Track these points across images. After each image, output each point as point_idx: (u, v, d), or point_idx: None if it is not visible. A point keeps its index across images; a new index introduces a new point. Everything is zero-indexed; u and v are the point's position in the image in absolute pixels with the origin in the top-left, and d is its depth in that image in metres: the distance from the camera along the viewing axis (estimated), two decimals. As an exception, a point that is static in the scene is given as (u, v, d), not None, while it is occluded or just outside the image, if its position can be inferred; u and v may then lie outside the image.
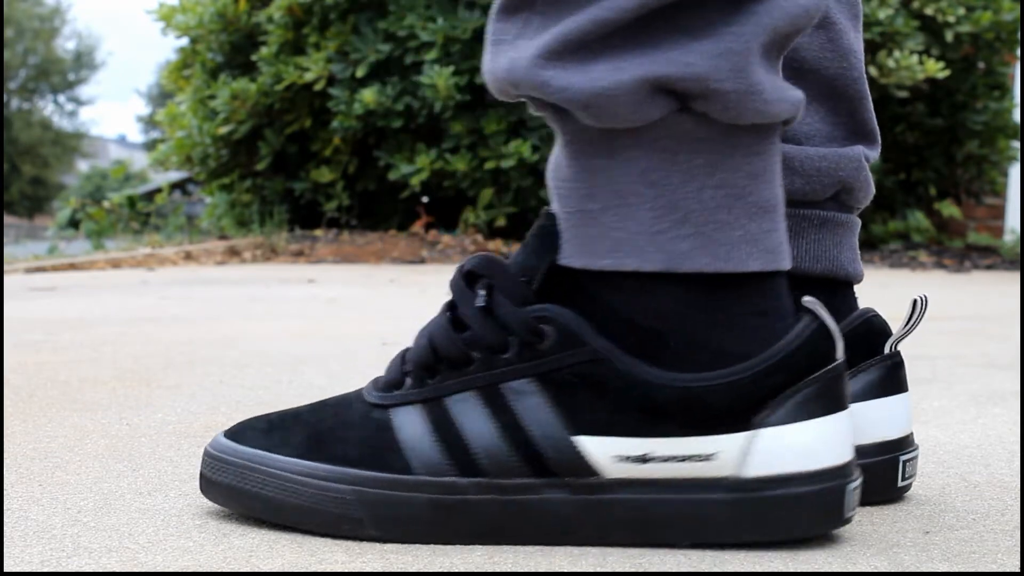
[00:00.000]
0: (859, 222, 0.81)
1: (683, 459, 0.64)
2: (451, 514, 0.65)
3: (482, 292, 0.66)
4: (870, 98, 0.81)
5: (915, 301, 0.67)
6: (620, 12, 0.61)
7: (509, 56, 0.64)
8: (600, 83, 0.62)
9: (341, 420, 0.69)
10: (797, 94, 0.66)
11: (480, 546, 0.65)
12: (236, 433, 0.70)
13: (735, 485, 0.64)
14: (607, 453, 0.64)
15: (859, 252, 0.82)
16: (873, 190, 0.80)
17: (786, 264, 0.67)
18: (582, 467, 0.64)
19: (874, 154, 0.81)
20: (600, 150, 0.65)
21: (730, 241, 0.64)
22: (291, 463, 0.67)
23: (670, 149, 0.64)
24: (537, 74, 0.63)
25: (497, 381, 0.65)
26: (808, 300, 0.65)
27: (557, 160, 0.68)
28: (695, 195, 0.64)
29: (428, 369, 0.68)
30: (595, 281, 0.65)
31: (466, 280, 0.68)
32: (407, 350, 0.71)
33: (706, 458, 0.64)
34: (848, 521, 0.66)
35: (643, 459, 0.64)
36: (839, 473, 0.65)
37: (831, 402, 0.65)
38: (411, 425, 0.67)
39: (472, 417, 0.66)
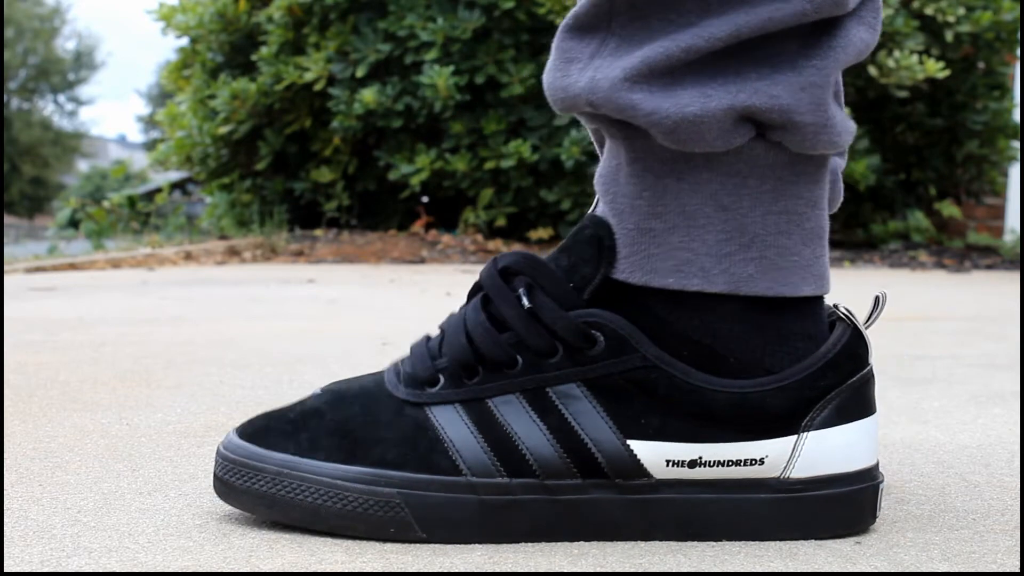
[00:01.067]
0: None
1: (734, 463, 0.66)
2: (500, 515, 0.65)
3: (523, 291, 0.67)
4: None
5: (877, 297, 0.70)
6: (712, 41, 0.62)
7: (588, 75, 0.65)
8: (689, 109, 0.63)
9: (372, 418, 0.68)
10: (853, 125, 0.68)
11: (480, 545, 0.65)
12: (255, 435, 0.69)
13: (780, 486, 0.66)
14: (659, 457, 0.65)
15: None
16: (841, 199, 0.83)
17: (829, 289, 0.70)
18: (634, 470, 0.65)
19: (843, 164, 0.83)
20: (670, 171, 0.66)
21: (788, 266, 0.67)
22: (330, 468, 0.66)
23: (741, 174, 0.66)
24: (623, 96, 0.64)
25: (544, 385, 0.66)
26: (842, 308, 0.69)
27: (615, 174, 0.68)
28: (761, 220, 0.66)
29: (467, 368, 0.67)
30: (651, 297, 0.66)
31: (502, 276, 0.68)
32: (431, 340, 0.70)
33: (757, 462, 0.66)
34: (875, 521, 0.69)
35: (694, 463, 0.65)
36: (872, 474, 0.69)
37: (865, 406, 0.68)
38: (453, 425, 0.66)
39: (520, 419, 0.66)
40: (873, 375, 0.69)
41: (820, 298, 0.69)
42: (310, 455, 0.67)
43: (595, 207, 0.70)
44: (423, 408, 0.68)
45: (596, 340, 0.65)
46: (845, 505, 0.67)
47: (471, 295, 0.71)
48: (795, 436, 0.66)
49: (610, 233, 0.67)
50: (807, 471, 0.66)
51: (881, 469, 0.72)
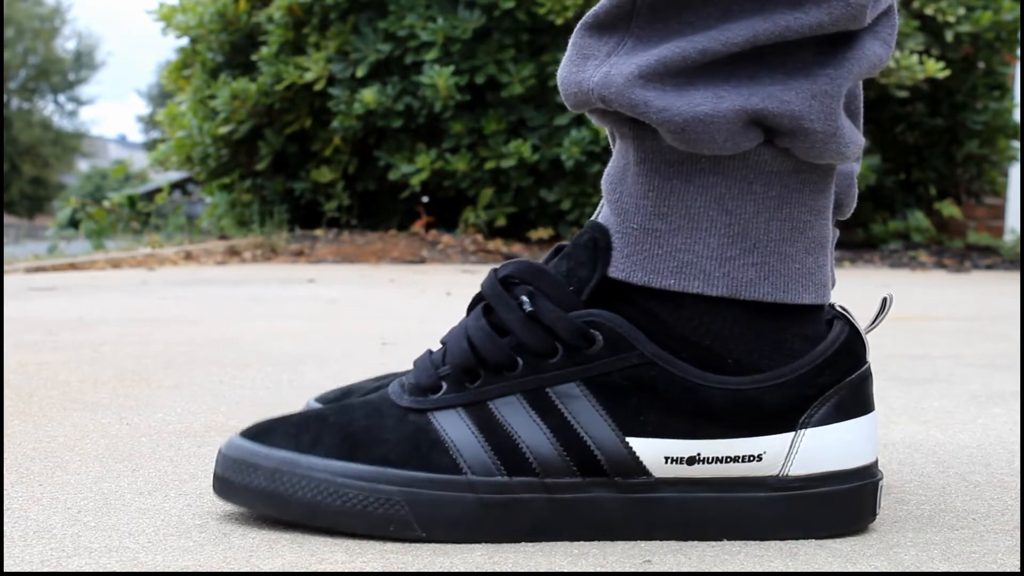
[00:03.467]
0: (838, 232, 0.84)
1: (732, 460, 0.66)
2: (500, 513, 0.65)
3: (525, 298, 0.67)
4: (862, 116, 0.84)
5: (884, 299, 0.71)
6: (728, 45, 0.63)
7: (602, 71, 0.66)
8: (700, 108, 0.63)
9: (375, 422, 0.68)
10: (861, 138, 0.69)
11: (480, 545, 0.65)
12: (257, 435, 0.69)
13: (778, 484, 0.66)
14: (657, 454, 0.66)
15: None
16: (856, 203, 0.84)
17: (829, 299, 0.70)
18: (634, 467, 0.66)
19: (858, 169, 0.85)
20: (677, 172, 0.66)
21: (789, 273, 0.67)
22: (330, 465, 0.66)
23: (747, 179, 0.66)
24: (635, 92, 0.64)
25: (544, 385, 0.66)
26: (840, 306, 0.69)
27: (621, 174, 0.69)
28: (764, 226, 0.66)
29: (468, 373, 0.68)
30: (650, 297, 0.67)
31: (504, 285, 0.69)
32: (434, 353, 0.71)
33: (754, 459, 0.66)
34: (875, 519, 0.69)
35: (692, 460, 0.66)
36: (871, 471, 0.69)
37: (864, 403, 0.69)
38: (455, 427, 0.67)
39: (520, 419, 0.66)
40: (871, 373, 0.69)
41: (821, 306, 0.69)
42: (310, 453, 0.67)
43: (597, 214, 0.71)
44: (426, 414, 0.68)
45: (595, 339, 0.66)
46: (844, 503, 0.67)
47: (472, 306, 0.71)
48: (792, 433, 0.66)
49: (606, 235, 0.68)
50: (805, 468, 0.67)
51: (881, 469, 0.72)
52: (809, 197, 0.67)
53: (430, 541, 0.65)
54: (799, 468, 0.67)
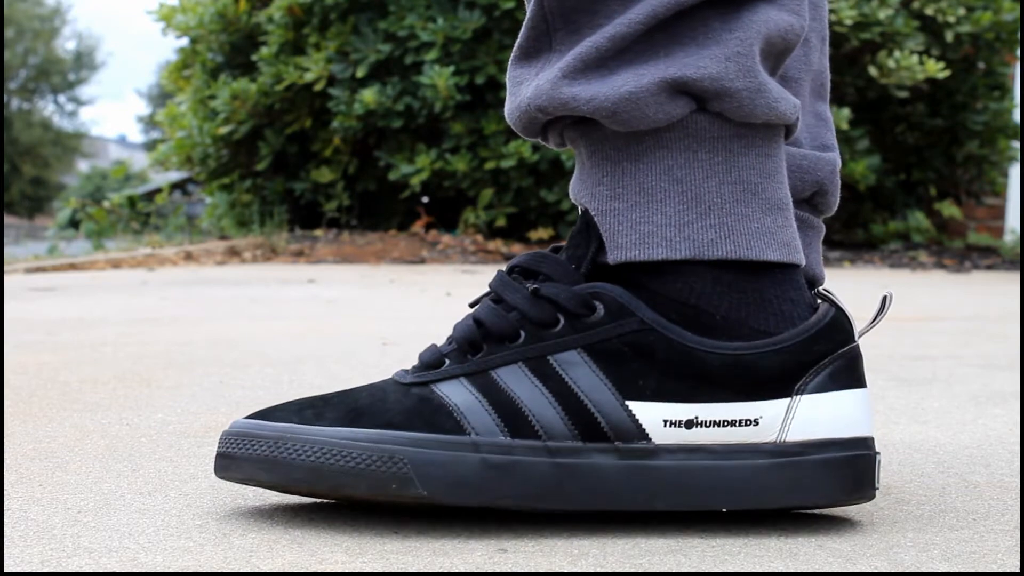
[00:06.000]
0: (824, 228, 0.86)
1: (729, 424, 0.67)
2: (501, 475, 0.66)
3: (531, 283, 0.70)
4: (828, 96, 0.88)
5: (884, 297, 0.72)
6: (633, 26, 0.67)
7: (533, 86, 0.70)
8: (624, 88, 0.67)
9: (378, 398, 0.70)
10: (795, 99, 0.72)
11: (480, 545, 0.65)
12: (261, 415, 0.70)
13: (776, 450, 0.68)
14: (656, 418, 0.67)
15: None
16: (839, 198, 0.84)
17: (801, 259, 0.72)
18: (634, 431, 0.67)
19: (839, 162, 0.86)
20: (626, 155, 0.70)
21: (749, 232, 0.69)
22: (333, 431, 0.67)
23: (691, 148, 0.69)
24: (563, 91, 0.68)
25: (546, 353, 0.68)
26: (824, 289, 0.72)
27: (579, 175, 0.73)
28: (716, 189, 0.69)
29: (472, 345, 0.70)
30: (634, 271, 0.69)
31: (512, 276, 0.71)
32: (440, 344, 0.73)
33: (751, 423, 0.68)
34: (875, 494, 0.70)
35: (690, 424, 0.67)
36: (868, 444, 0.70)
37: (857, 378, 0.70)
38: (458, 393, 0.69)
39: (522, 385, 0.68)
40: (860, 352, 0.71)
41: (795, 267, 0.72)
42: (314, 423, 0.68)
43: None
44: (428, 385, 0.70)
45: (595, 308, 0.68)
46: (842, 470, 0.68)
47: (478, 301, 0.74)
48: (789, 398, 0.68)
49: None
50: (802, 434, 0.68)
51: (881, 469, 0.72)
52: (756, 159, 0.70)
53: (430, 501, 0.65)
54: (796, 434, 0.68)
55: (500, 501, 0.66)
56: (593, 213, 0.70)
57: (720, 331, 0.68)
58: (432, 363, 0.71)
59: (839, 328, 0.70)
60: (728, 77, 0.67)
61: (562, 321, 0.68)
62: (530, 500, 0.66)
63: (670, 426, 0.67)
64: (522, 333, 0.69)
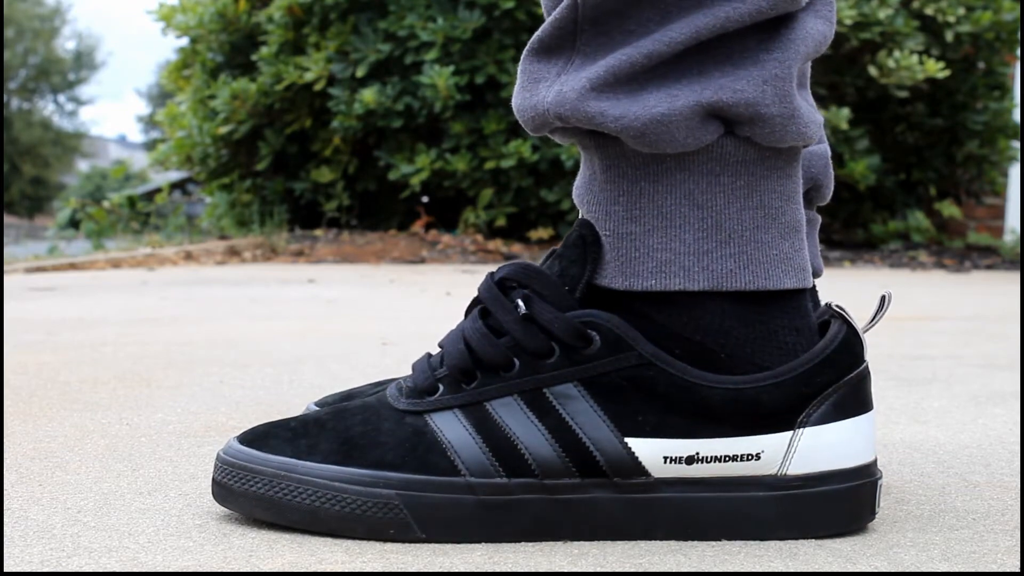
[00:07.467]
0: (820, 218, 0.85)
1: (730, 459, 0.66)
2: (500, 514, 0.65)
3: (520, 301, 0.67)
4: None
5: (883, 297, 0.71)
6: (672, 45, 0.64)
7: (555, 90, 0.66)
8: (656, 110, 0.64)
9: (372, 426, 0.68)
10: (820, 116, 0.69)
11: (480, 545, 0.65)
12: (255, 440, 0.69)
13: (777, 483, 0.66)
14: (656, 454, 0.66)
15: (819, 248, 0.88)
16: (833, 187, 0.84)
17: (811, 282, 0.70)
18: (633, 468, 0.66)
19: (828, 151, 0.85)
20: (644, 174, 0.67)
21: (768, 260, 0.67)
22: (327, 469, 0.66)
23: (714, 172, 0.66)
24: (590, 105, 0.65)
25: (541, 385, 0.66)
26: (837, 305, 0.69)
27: (588, 184, 0.69)
28: (736, 216, 0.67)
29: (465, 374, 0.68)
30: (636, 300, 0.67)
31: (500, 288, 0.69)
32: (432, 356, 0.71)
33: (753, 457, 0.66)
34: (874, 517, 0.69)
35: (691, 460, 0.66)
36: (870, 470, 0.69)
37: (862, 402, 0.69)
38: (452, 428, 0.67)
39: (518, 420, 0.66)
40: (869, 372, 0.69)
41: (803, 291, 0.70)
42: (308, 457, 0.67)
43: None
44: (422, 416, 0.68)
45: (592, 339, 0.66)
46: (843, 502, 0.67)
47: (469, 309, 0.71)
48: (791, 432, 0.66)
49: (593, 231, 0.68)
50: (804, 467, 0.67)
51: (881, 469, 0.72)
52: (777, 183, 0.68)
53: (431, 542, 0.65)
54: (798, 467, 0.67)
55: (501, 539, 0.65)
56: (607, 235, 0.67)
57: (723, 367, 0.66)
58: (426, 389, 0.69)
59: (848, 351, 0.68)
60: (764, 103, 0.64)
61: (557, 352, 0.66)
62: (530, 536, 0.66)
63: (670, 462, 0.66)
64: (516, 362, 0.67)
